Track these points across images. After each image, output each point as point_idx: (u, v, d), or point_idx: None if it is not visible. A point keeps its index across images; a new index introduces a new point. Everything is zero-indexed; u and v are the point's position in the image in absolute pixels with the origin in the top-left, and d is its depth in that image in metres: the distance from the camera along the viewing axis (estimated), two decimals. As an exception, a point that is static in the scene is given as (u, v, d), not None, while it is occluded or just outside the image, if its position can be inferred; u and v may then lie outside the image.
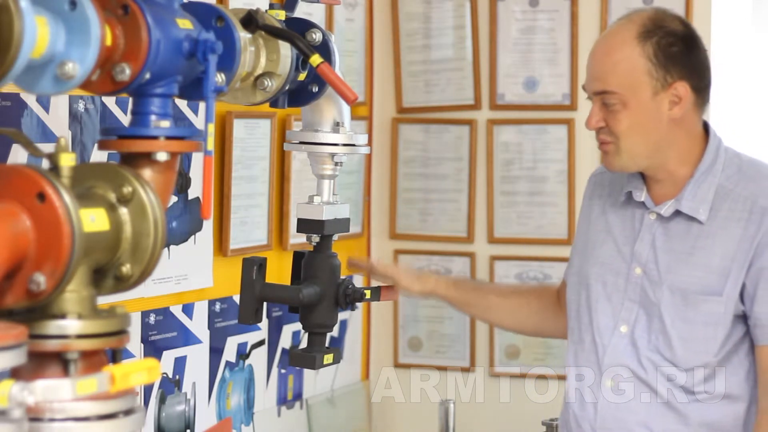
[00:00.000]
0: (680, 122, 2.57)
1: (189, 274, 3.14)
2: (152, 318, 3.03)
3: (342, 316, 3.82)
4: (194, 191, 3.13)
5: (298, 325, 3.47)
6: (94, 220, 1.73)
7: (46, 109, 2.65)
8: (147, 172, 1.86)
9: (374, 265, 2.84)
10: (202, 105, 2.74)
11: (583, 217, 2.79)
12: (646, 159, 2.58)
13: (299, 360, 2.70)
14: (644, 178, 2.64)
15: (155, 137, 1.86)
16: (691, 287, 2.57)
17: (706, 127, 2.64)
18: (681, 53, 2.55)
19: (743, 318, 2.58)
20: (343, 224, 2.68)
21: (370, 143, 3.96)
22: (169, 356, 3.09)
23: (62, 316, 1.72)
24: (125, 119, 2.83)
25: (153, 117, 1.89)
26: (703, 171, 2.59)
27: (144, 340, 3.02)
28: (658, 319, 2.60)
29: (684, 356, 2.58)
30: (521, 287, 2.99)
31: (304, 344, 2.72)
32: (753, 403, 2.61)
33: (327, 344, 2.73)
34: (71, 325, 1.72)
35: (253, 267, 2.62)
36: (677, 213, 2.60)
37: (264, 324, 3.48)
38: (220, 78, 2.00)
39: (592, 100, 2.58)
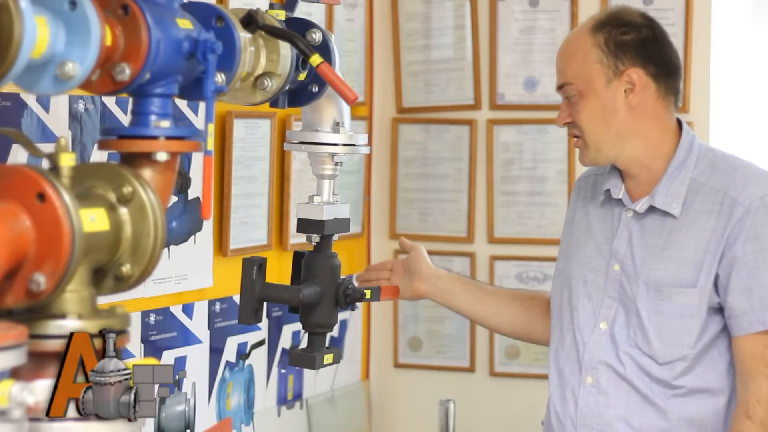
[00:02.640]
0: (642, 111, 2.60)
1: (189, 274, 3.14)
2: (152, 318, 3.03)
3: (342, 316, 3.83)
4: (194, 191, 3.13)
5: (298, 325, 3.47)
6: (94, 220, 1.73)
7: (46, 109, 2.65)
8: (147, 172, 1.86)
9: (403, 240, 3.04)
10: (202, 105, 2.74)
11: (567, 221, 2.84)
12: (612, 149, 2.61)
13: (299, 360, 2.70)
14: (622, 176, 2.67)
15: (155, 137, 1.86)
16: (666, 281, 2.59)
17: (681, 125, 2.68)
18: (634, 41, 2.60)
19: (720, 311, 2.60)
20: (343, 224, 2.68)
21: (370, 143, 3.96)
22: (169, 356, 3.09)
23: (62, 316, 1.72)
24: (125, 119, 2.83)
25: (153, 117, 1.89)
26: (676, 166, 2.63)
27: (144, 340, 3.02)
28: (635, 314, 2.62)
29: (661, 350, 2.60)
30: (516, 292, 3.02)
31: (304, 344, 2.72)
32: (733, 397, 2.62)
33: (327, 344, 2.73)
34: (71, 325, 1.72)
35: (253, 267, 2.61)
36: (652, 209, 2.64)
37: (264, 324, 3.48)
38: (220, 78, 2.00)
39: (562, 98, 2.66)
